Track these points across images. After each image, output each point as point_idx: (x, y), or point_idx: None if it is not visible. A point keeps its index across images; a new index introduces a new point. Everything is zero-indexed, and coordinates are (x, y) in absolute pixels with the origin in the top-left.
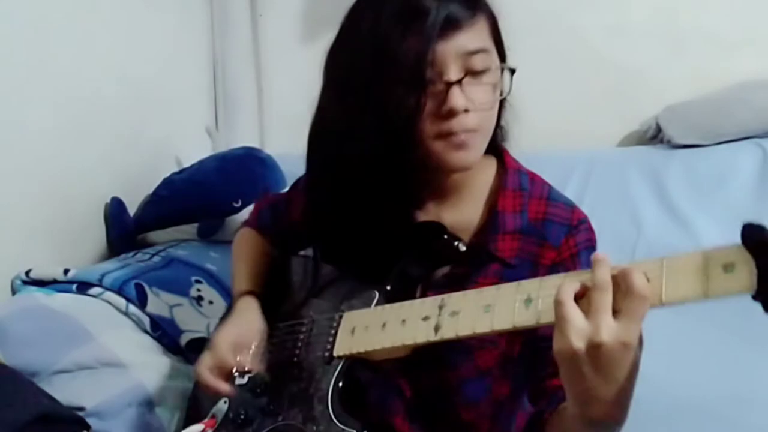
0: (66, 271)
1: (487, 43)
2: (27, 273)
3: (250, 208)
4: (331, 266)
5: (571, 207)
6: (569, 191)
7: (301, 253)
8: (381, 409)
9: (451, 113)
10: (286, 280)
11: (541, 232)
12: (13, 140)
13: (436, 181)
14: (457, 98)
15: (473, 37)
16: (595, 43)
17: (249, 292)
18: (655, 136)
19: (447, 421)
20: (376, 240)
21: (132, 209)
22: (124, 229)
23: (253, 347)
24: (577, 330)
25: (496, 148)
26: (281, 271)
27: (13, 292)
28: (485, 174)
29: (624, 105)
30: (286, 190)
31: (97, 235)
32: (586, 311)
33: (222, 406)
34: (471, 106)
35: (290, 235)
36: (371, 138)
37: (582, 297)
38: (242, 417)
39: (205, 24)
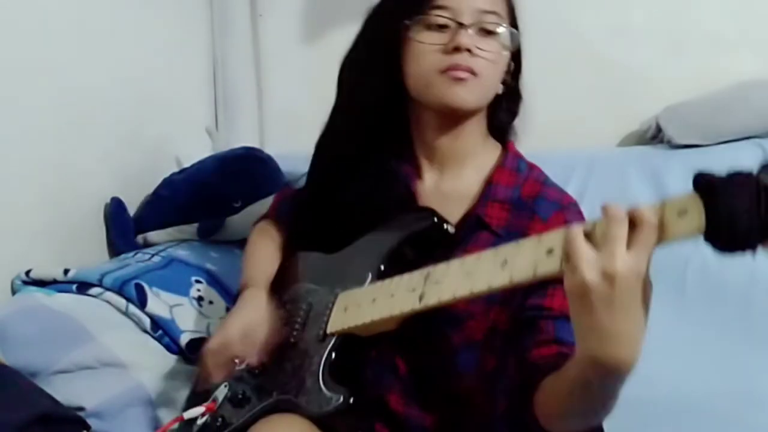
0: (66, 271)
1: (501, 11)
2: (27, 273)
3: (250, 208)
4: (330, 252)
5: (563, 192)
6: (569, 191)
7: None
8: (376, 386)
9: (457, 49)
10: (297, 271)
11: (531, 208)
12: (13, 140)
13: (439, 147)
14: (463, 36)
15: (489, 0)
16: (595, 43)
17: (259, 283)
18: (655, 136)
19: (440, 393)
20: (374, 216)
21: (132, 209)
22: (124, 229)
23: (260, 338)
24: (590, 262)
25: (503, 138)
26: (294, 262)
27: (13, 292)
28: (489, 155)
29: (624, 105)
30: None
31: (97, 235)
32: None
33: (223, 389)
34: (476, 50)
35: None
36: (375, 66)
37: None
38: (240, 397)
39: (205, 24)
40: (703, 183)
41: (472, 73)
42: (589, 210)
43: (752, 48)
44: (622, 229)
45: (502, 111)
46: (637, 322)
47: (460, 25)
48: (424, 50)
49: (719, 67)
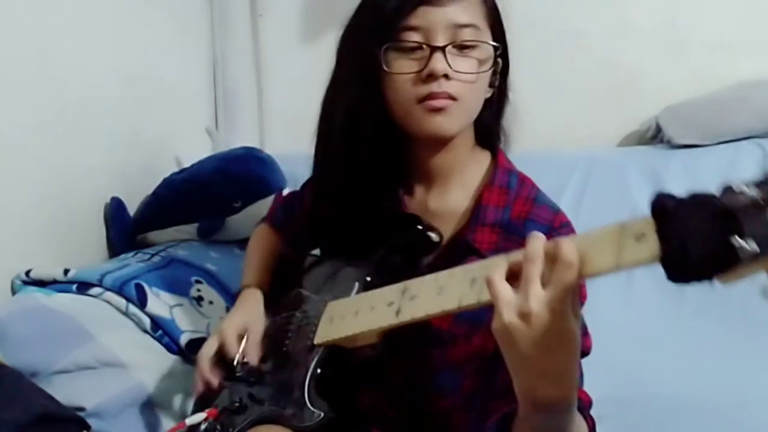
0: (66, 271)
1: (479, 21)
2: (27, 273)
3: (250, 208)
4: (327, 260)
5: (556, 211)
6: (569, 191)
7: (312, 252)
8: (367, 394)
9: (431, 77)
10: (294, 277)
11: (521, 231)
12: (13, 140)
13: (425, 164)
14: (437, 62)
15: (464, 11)
16: (595, 43)
17: (255, 286)
18: (655, 136)
19: (423, 408)
20: (363, 226)
21: (132, 209)
22: (124, 229)
23: (256, 338)
24: (507, 303)
25: (492, 146)
26: (290, 268)
27: (13, 292)
28: (476, 168)
29: (624, 105)
30: (299, 188)
31: (97, 235)
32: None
33: (224, 395)
34: (452, 74)
35: (301, 232)
36: (354, 91)
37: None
38: (237, 405)
39: (205, 24)
40: (658, 205)
41: (452, 98)
42: (589, 210)
43: (752, 48)
44: (536, 268)
45: (488, 112)
46: (562, 358)
47: (433, 48)
48: (399, 80)
49: (719, 67)
